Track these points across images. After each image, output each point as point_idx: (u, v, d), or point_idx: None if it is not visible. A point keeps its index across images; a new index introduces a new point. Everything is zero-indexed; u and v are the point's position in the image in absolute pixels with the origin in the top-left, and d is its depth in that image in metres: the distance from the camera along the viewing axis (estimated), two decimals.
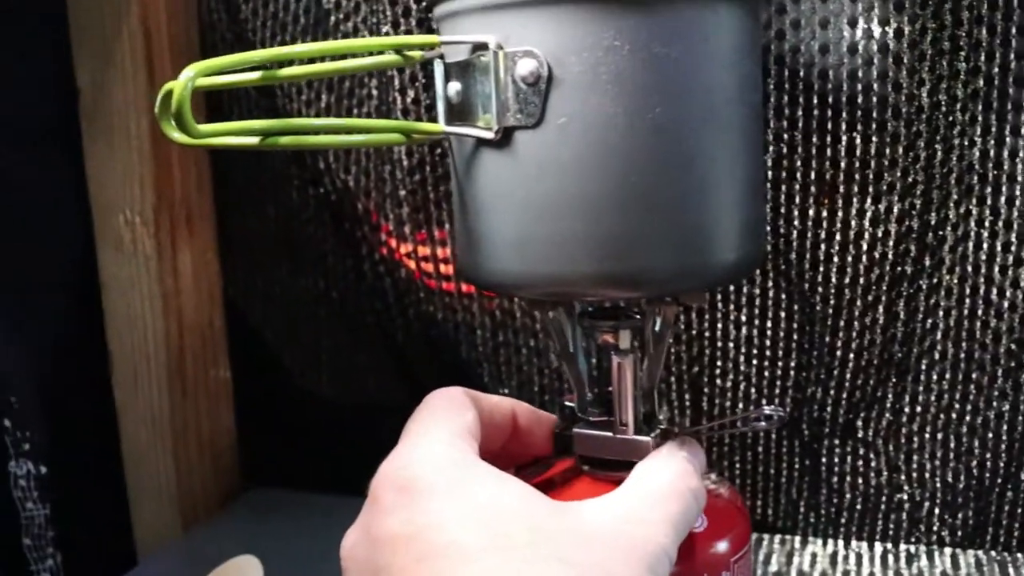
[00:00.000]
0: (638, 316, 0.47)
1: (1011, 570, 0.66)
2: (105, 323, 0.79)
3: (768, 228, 0.65)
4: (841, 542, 0.71)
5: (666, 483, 0.42)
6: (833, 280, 0.65)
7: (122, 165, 0.75)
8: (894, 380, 0.66)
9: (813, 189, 0.63)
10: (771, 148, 0.63)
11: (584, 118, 0.41)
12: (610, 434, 0.47)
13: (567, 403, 0.49)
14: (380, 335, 0.79)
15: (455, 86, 0.43)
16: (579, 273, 0.42)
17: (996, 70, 0.59)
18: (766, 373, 0.68)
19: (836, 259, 0.64)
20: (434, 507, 0.37)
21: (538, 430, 0.48)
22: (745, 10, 0.43)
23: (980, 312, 0.64)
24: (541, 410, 0.49)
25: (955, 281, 0.64)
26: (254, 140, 0.40)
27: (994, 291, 0.63)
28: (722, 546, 0.45)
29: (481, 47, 0.42)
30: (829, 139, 0.62)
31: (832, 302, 0.65)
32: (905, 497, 0.69)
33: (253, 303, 0.83)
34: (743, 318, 0.68)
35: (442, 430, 0.41)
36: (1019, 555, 0.68)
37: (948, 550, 0.69)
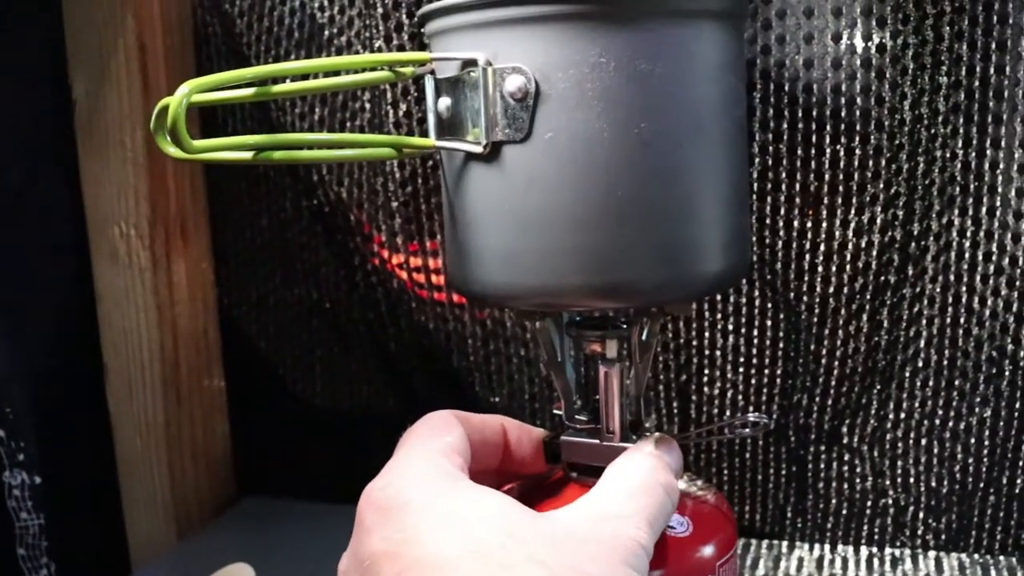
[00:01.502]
0: (625, 326, 0.48)
1: (993, 572, 0.67)
2: (100, 334, 0.80)
3: (754, 239, 0.66)
4: (827, 546, 0.72)
5: (636, 479, 0.42)
6: (818, 289, 0.66)
7: (117, 177, 0.75)
8: (878, 387, 0.67)
9: (798, 200, 0.64)
10: (756, 160, 0.64)
11: (571, 133, 0.42)
12: (597, 441, 0.48)
13: (556, 411, 0.50)
14: (372, 345, 0.80)
15: (445, 101, 0.44)
16: (566, 285, 0.43)
17: (977, 84, 0.60)
18: (753, 381, 0.69)
19: (821, 269, 0.65)
20: (410, 522, 0.38)
21: (528, 443, 0.49)
22: (728, 27, 0.44)
23: (962, 320, 0.65)
24: (529, 425, 0.50)
25: (938, 290, 0.65)
26: (247, 155, 0.40)
27: (976, 300, 0.64)
28: (708, 550, 0.46)
29: (471, 63, 0.43)
30: (813, 151, 0.63)
31: (817, 311, 0.66)
32: (890, 502, 0.70)
33: (247, 313, 0.83)
34: (730, 327, 0.68)
35: (421, 450, 0.42)
36: (1001, 558, 0.69)
37: (932, 553, 0.70)
